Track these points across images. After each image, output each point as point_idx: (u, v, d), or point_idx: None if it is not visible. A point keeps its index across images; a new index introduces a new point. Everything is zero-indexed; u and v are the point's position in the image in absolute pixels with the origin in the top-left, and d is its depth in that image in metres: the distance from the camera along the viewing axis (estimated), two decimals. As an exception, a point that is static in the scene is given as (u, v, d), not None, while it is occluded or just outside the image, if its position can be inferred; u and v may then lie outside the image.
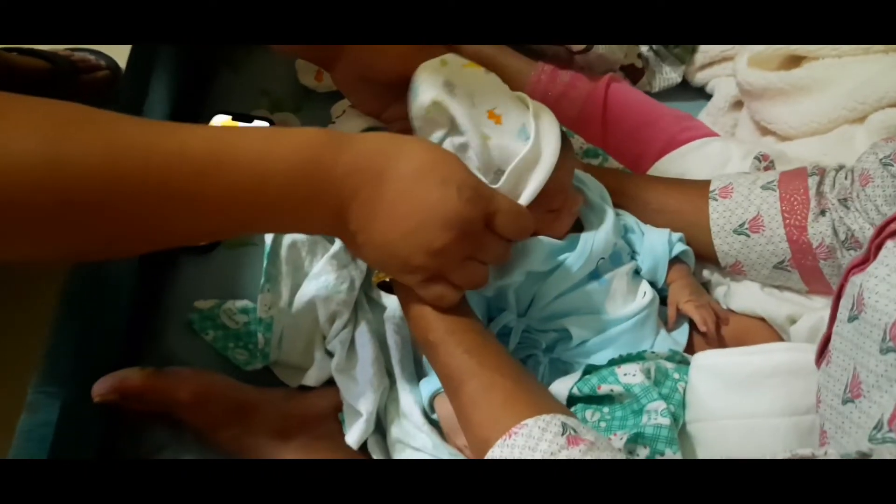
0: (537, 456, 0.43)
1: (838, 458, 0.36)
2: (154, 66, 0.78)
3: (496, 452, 0.44)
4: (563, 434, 0.44)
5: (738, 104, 0.90)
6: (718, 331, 0.65)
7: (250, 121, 0.80)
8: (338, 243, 0.69)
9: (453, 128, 0.56)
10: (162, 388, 0.57)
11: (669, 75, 0.90)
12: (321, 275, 0.67)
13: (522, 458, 0.43)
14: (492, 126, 0.57)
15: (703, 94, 0.95)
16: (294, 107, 0.87)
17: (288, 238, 0.68)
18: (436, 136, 0.57)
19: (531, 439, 0.44)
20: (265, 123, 0.81)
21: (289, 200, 0.44)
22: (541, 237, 0.60)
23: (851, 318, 0.47)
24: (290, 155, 0.44)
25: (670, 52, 0.90)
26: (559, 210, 0.61)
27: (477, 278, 0.51)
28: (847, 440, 0.44)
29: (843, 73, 0.76)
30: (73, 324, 0.58)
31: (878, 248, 0.47)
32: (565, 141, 0.60)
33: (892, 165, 0.59)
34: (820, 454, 0.37)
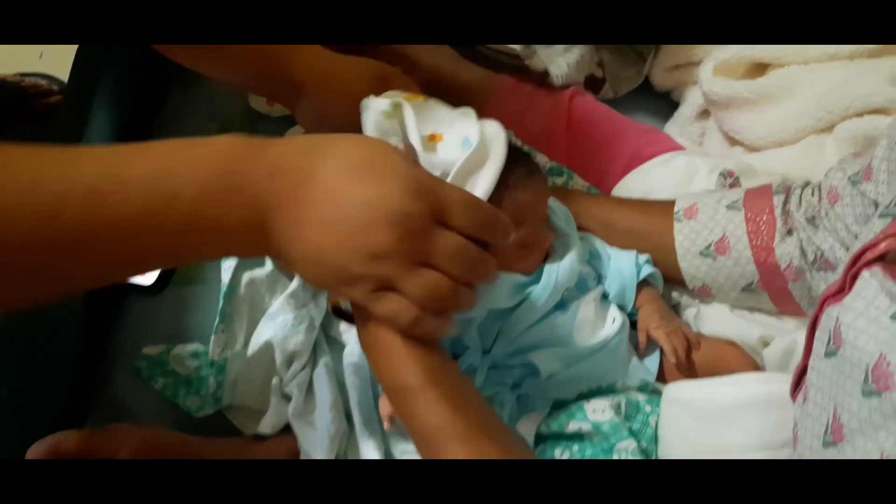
0: None
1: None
2: (96, 89, 0.74)
3: None
4: None
5: (705, 113, 0.88)
6: (689, 357, 0.63)
7: None
8: (297, 280, 0.66)
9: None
10: (101, 450, 0.53)
11: (629, 73, 0.88)
12: (279, 314, 0.64)
13: None
14: (432, 147, 0.54)
15: (668, 100, 0.93)
16: (246, 131, 0.83)
17: (247, 275, 0.65)
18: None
19: None
20: None
21: (200, 222, 0.39)
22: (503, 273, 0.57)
23: (829, 354, 0.45)
24: (197, 170, 0.39)
25: (631, 47, 0.88)
26: (530, 246, 0.59)
27: (437, 289, 0.42)
28: None
29: (808, 80, 0.74)
30: (5, 376, 0.55)
31: (854, 278, 0.45)
32: (537, 171, 0.58)
33: (860, 183, 0.57)
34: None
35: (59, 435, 0.53)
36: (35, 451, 0.52)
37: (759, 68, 0.81)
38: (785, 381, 0.54)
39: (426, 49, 0.84)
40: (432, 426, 0.43)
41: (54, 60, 0.77)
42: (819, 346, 0.46)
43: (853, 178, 0.58)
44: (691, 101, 0.88)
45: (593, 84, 0.86)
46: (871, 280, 0.43)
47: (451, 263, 0.42)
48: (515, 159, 0.56)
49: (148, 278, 0.68)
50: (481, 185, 0.52)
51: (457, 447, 0.42)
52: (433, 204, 0.42)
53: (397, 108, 0.53)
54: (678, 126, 0.88)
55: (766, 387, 0.53)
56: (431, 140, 0.54)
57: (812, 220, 0.60)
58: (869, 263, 0.44)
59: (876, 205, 0.56)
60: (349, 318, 0.57)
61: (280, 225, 0.40)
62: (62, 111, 0.74)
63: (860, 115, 0.70)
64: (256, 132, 0.80)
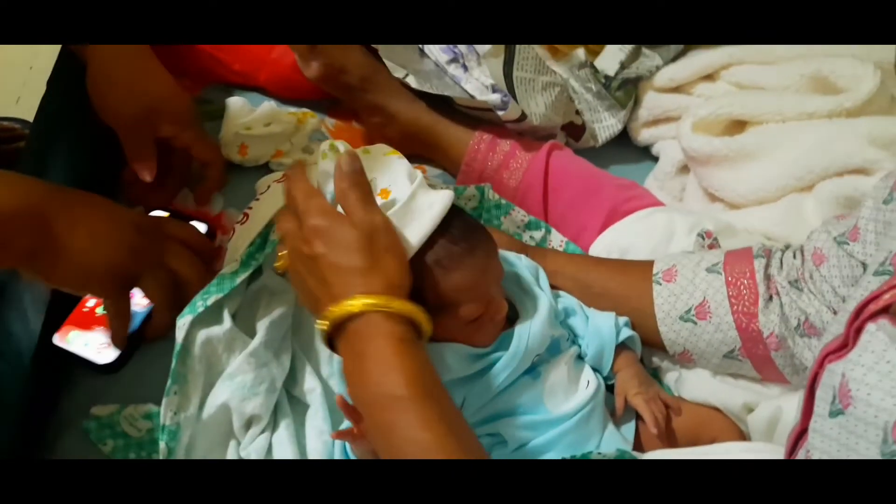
0: None
1: None
2: (58, 134, 0.72)
3: None
4: None
5: (685, 168, 0.87)
6: (669, 424, 0.60)
7: (188, 220, 0.74)
8: (258, 338, 0.62)
9: None
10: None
11: (609, 121, 0.87)
12: (237, 375, 0.60)
13: None
14: (382, 202, 0.55)
15: (648, 154, 0.92)
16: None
17: (203, 333, 0.61)
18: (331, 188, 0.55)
19: None
20: (203, 225, 0.74)
21: None
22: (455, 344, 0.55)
23: (834, 413, 0.42)
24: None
25: (610, 94, 0.88)
26: (480, 320, 0.56)
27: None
28: None
29: (787, 139, 0.74)
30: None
31: (858, 332, 0.43)
32: (488, 243, 0.56)
33: (847, 244, 0.56)
34: None
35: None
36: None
37: (738, 125, 0.80)
38: (770, 451, 0.52)
39: (404, 101, 0.83)
40: (424, 443, 0.42)
41: (31, 105, 0.76)
42: (822, 405, 0.43)
43: (839, 238, 0.56)
44: (671, 156, 0.87)
45: (573, 131, 0.85)
46: (878, 333, 0.40)
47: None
48: (457, 236, 0.55)
49: (107, 356, 0.65)
50: (408, 241, 0.53)
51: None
52: (148, 258, 0.62)
53: (333, 149, 0.56)
54: (658, 181, 0.87)
55: (751, 457, 0.51)
56: (381, 194, 0.55)
57: (795, 283, 0.58)
58: (873, 316, 0.41)
59: (864, 266, 0.54)
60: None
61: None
62: (22, 156, 0.73)
63: (840, 174, 0.69)
64: (228, 181, 0.79)
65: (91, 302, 0.68)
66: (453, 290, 0.55)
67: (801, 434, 0.44)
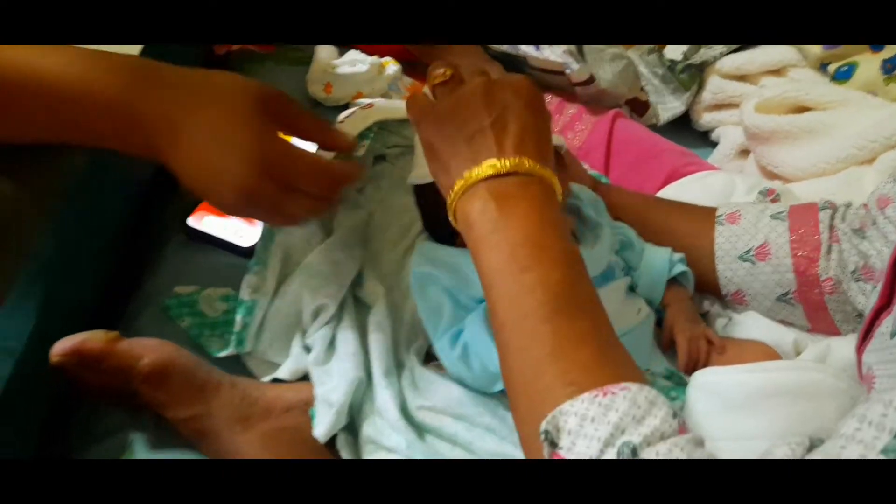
0: (644, 430, 0.35)
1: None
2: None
3: (580, 408, 0.36)
4: (674, 418, 0.37)
5: (743, 153, 0.90)
6: (709, 363, 0.61)
7: None
8: (334, 236, 0.66)
9: None
10: (123, 355, 0.53)
11: (672, 103, 0.91)
12: (312, 265, 0.64)
13: (620, 426, 0.35)
14: None
15: (707, 141, 0.95)
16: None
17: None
18: None
19: (636, 408, 0.36)
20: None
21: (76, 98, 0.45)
22: None
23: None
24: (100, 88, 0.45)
25: (675, 76, 0.91)
26: None
27: (310, 206, 0.53)
28: None
29: (850, 118, 0.76)
30: (35, 286, 0.55)
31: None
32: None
33: None
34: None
35: (87, 333, 0.53)
36: (61, 346, 0.52)
37: (800, 109, 0.83)
38: (819, 370, 0.53)
39: (480, 63, 0.88)
40: (558, 284, 0.41)
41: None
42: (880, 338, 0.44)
43: None
44: (731, 140, 0.90)
45: (637, 107, 0.89)
46: None
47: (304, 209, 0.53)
48: None
49: (248, 240, 0.68)
50: None
51: (579, 314, 0.41)
52: (279, 178, 0.49)
53: None
54: (717, 163, 0.90)
55: (798, 374, 0.52)
56: None
57: (858, 231, 0.60)
58: None
59: None
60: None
61: (162, 148, 0.48)
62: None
63: (903, 145, 0.71)
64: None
65: None
66: None
67: (879, 311, 0.45)
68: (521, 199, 0.44)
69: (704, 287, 0.67)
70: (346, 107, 0.87)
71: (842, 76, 0.86)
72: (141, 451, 0.57)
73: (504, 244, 0.43)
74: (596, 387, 0.37)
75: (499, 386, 0.54)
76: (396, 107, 0.70)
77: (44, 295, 0.54)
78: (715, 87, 0.91)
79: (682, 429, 0.37)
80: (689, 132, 0.95)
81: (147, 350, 0.54)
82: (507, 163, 0.44)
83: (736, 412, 0.52)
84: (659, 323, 0.64)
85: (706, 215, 0.66)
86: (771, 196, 0.70)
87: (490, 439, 0.54)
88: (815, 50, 0.87)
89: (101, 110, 0.46)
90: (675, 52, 0.96)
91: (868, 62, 0.84)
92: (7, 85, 0.45)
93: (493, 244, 0.43)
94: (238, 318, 0.62)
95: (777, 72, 0.91)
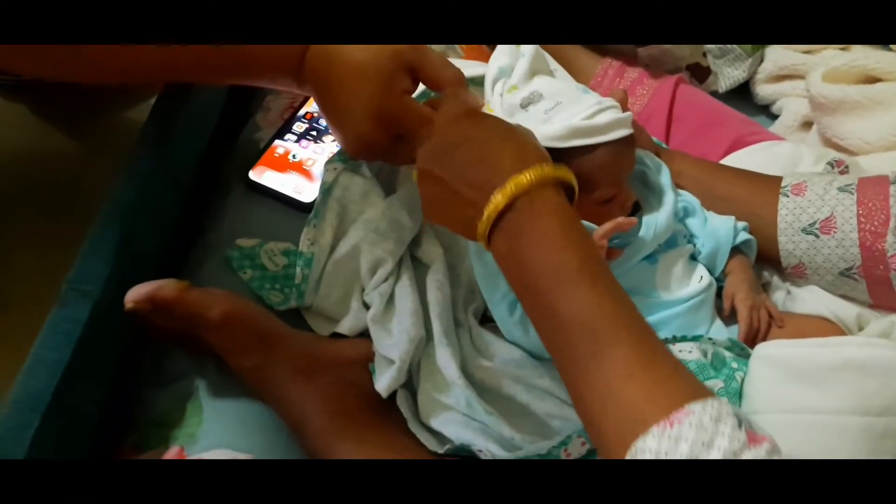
0: (715, 455, 0.34)
1: None
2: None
3: (652, 445, 0.35)
4: (740, 427, 0.36)
5: (806, 125, 0.88)
6: (768, 335, 0.61)
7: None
8: (396, 194, 0.66)
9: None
10: (194, 303, 0.54)
11: (734, 71, 0.88)
12: (371, 221, 0.65)
13: (693, 456, 0.34)
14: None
15: (767, 113, 0.93)
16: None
17: (345, 179, 0.66)
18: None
19: (704, 432, 0.35)
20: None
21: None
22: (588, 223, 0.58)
23: None
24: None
25: (738, 45, 0.89)
26: (610, 203, 0.59)
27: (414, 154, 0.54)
28: None
29: (924, 90, 0.73)
30: (112, 231, 0.57)
31: None
32: (627, 135, 0.59)
33: None
34: None
35: (161, 281, 0.54)
36: (135, 293, 0.53)
37: (869, 79, 0.80)
38: (889, 347, 0.52)
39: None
40: (602, 313, 0.41)
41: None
42: None
43: None
44: (794, 111, 0.87)
45: (699, 73, 0.87)
46: None
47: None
48: None
49: (308, 196, 0.69)
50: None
51: (635, 342, 0.39)
52: (389, 130, 0.55)
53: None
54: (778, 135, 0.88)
55: (867, 350, 0.52)
56: None
57: None
58: None
59: None
60: None
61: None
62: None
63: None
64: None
65: (280, 149, 0.72)
66: (594, 168, 0.57)
67: None
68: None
69: (764, 258, 0.66)
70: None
71: (910, 47, 0.83)
72: (205, 396, 0.59)
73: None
74: (662, 417, 0.36)
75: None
76: (470, 65, 0.69)
77: (120, 241, 0.56)
78: (777, 55, 0.89)
79: (751, 434, 0.36)
80: (748, 104, 0.93)
81: (217, 300, 0.55)
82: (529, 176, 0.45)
83: (802, 383, 0.52)
84: (718, 293, 0.64)
85: (771, 185, 0.65)
86: (840, 167, 0.69)
87: (550, 401, 0.55)
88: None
89: (287, 60, 0.55)
90: (738, 18, 0.93)
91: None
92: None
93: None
94: (298, 270, 0.63)
95: (844, 48, 0.88)
